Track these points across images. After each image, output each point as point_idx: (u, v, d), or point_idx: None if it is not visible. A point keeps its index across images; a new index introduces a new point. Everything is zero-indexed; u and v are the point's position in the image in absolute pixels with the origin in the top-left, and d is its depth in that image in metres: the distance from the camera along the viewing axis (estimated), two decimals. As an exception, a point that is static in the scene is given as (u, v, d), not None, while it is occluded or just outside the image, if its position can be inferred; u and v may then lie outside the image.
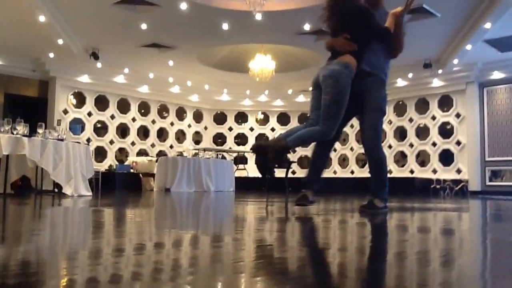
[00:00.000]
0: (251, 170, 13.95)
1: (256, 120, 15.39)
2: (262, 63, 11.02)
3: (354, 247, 1.82)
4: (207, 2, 8.64)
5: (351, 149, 13.85)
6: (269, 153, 3.24)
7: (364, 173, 13.42)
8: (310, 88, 3.68)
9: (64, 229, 2.41)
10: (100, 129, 12.85)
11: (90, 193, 6.68)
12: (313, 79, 3.59)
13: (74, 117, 12.20)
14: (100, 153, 12.64)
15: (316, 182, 3.60)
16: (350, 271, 1.28)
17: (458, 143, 12.06)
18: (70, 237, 2.08)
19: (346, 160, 14.15)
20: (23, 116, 6.34)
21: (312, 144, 3.79)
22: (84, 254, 1.50)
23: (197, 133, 15.00)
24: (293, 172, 13.18)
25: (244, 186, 12.09)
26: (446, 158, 12.22)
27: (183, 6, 8.48)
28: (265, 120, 15.37)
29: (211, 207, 4.63)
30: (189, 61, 12.03)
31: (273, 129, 15.22)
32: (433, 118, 12.55)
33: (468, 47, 9.94)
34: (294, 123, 15.02)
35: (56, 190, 6.51)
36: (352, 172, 13.89)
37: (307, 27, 9.33)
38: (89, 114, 12.57)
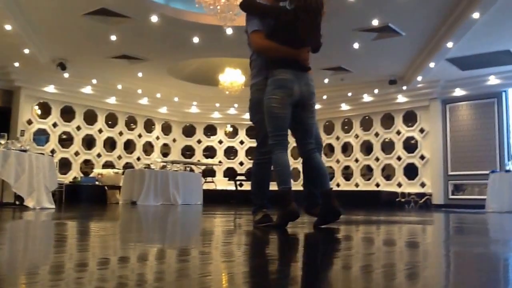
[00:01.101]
0: (219, 183, 13.90)
1: (225, 133, 15.39)
2: (232, 77, 11.07)
3: (321, 260, 1.83)
4: (178, 16, 8.65)
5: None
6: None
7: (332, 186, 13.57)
8: (274, 105, 3.16)
9: (25, 243, 2.32)
10: (65, 140, 12.55)
11: (53, 206, 6.48)
12: (289, 93, 3.14)
13: (38, 128, 11.88)
14: (65, 165, 12.32)
15: (267, 198, 3.49)
16: (317, 284, 1.28)
17: (422, 157, 12.40)
18: (31, 252, 2.00)
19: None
20: (-16, 126, 6.12)
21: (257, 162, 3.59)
22: (45, 269, 1.45)
23: (165, 145, 14.85)
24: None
25: (212, 199, 12.01)
26: (411, 172, 12.53)
27: (154, 19, 8.45)
28: (234, 133, 15.38)
29: (178, 221, 4.57)
30: (159, 73, 11.96)
31: (242, 142, 15.24)
32: (398, 133, 12.87)
33: (432, 65, 10.29)
34: (263, 137, 15.06)
35: (17, 202, 6.30)
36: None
37: (276, 42, 9.44)
38: (54, 125, 12.27)
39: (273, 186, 3.31)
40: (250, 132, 15.28)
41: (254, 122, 3.53)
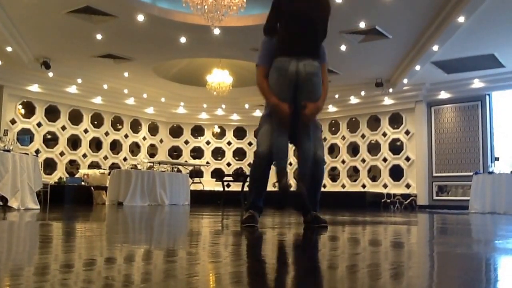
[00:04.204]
0: (207, 183, 13.87)
1: (213, 134, 15.36)
2: (220, 78, 11.05)
3: (307, 260, 1.84)
4: (164, 15, 8.60)
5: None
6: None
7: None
8: (272, 88, 3.26)
9: (9, 244, 2.30)
10: (50, 140, 12.40)
11: (38, 207, 6.40)
12: (283, 73, 3.19)
13: (22, 128, 11.73)
14: (50, 165, 12.18)
15: (262, 201, 3.44)
16: (304, 284, 1.29)
17: (407, 159, 12.52)
18: (15, 253, 1.98)
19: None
20: (-33, 126, 6.03)
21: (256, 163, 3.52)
22: (30, 270, 1.44)
23: (152, 146, 14.77)
24: (249, 186, 13.16)
25: (200, 200, 11.99)
26: (396, 173, 12.65)
27: (140, 18, 8.40)
28: (221, 134, 15.36)
29: (165, 221, 4.55)
30: (145, 73, 11.89)
31: (229, 143, 15.23)
32: (384, 134, 12.99)
33: (417, 68, 10.41)
34: (250, 138, 15.09)
35: (1, 203, 6.20)
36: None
37: (264, 43, 9.45)
38: (39, 124, 12.12)
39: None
40: (237, 133, 15.27)
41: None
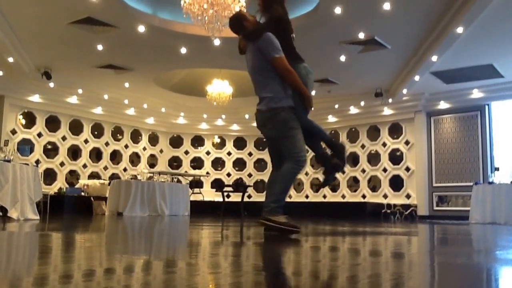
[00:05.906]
0: (207, 194, 13.85)
1: (213, 144, 15.37)
2: (220, 88, 11.10)
3: (308, 271, 1.84)
4: (165, 26, 8.66)
5: (306, 173, 14.03)
6: None
7: (318, 197, 13.61)
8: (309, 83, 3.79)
9: (8, 255, 2.29)
10: (50, 150, 12.41)
11: (38, 217, 6.40)
12: (312, 80, 3.86)
13: (22, 138, 11.74)
14: (50, 176, 12.17)
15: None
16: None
17: (407, 169, 12.52)
18: (14, 263, 1.97)
19: (301, 184, 14.30)
20: (-33, 136, 6.04)
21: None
22: (29, 281, 1.43)
23: (152, 156, 14.77)
24: (249, 196, 13.17)
25: (200, 210, 11.96)
26: (396, 183, 12.64)
27: (141, 28, 8.45)
28: (221, 144, 15.37)
29: (165, 232, 4.54)
30: (145, 83, 11.93)
31: (229, 153, 15.23)
32: (384, 145, 12.99)
33: (416, 78, 10.45)
34: (250, 148, 15.11)
35: (0, 213, 6.19)
36: (307, 197, 14.05)
37: (264, 53, 9.50)
38: (39, 134, 12.13)
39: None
40: (237, 144, 15.28)
41: (287, 136, 3.63)
